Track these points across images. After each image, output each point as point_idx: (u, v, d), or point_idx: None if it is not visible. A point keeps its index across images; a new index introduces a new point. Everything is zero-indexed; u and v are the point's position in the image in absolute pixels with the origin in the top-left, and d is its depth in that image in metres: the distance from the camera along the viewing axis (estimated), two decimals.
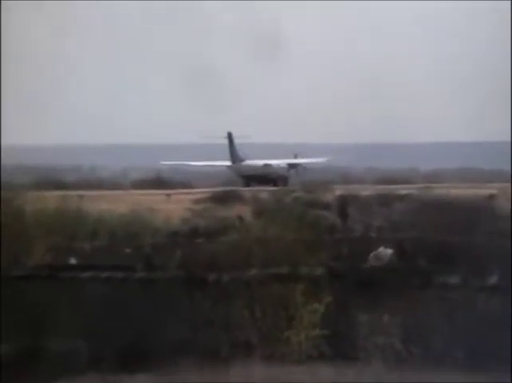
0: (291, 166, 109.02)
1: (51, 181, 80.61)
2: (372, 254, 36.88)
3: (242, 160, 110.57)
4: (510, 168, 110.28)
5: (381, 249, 37.21)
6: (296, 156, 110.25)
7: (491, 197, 61.31)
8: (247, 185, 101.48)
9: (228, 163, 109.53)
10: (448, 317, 32.82)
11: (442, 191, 61.95)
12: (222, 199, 61.79)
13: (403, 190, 63.51)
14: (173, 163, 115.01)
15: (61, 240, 40.26)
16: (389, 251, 37.14)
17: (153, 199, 63.19)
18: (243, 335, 33.53)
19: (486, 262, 35.21)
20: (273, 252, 36.49)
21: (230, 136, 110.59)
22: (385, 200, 55.85)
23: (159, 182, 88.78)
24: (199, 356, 32.19)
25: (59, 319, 33.69)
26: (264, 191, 69.64)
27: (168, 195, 68.28)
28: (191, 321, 33.74)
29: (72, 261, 38.16)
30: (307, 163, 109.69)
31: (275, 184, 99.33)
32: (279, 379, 30.35)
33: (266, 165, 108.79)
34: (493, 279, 33.92)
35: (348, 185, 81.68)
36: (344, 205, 51.43)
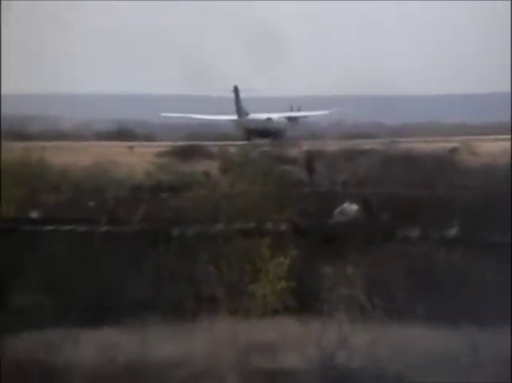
0: (290, 119, 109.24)
1: (13, 131, 79.46)
2: (337, 210, 36.97)
3: (247, 114, 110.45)
4: (471, 122, 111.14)
5: (346, 204, 37.30)
6: (298, 109, 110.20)
7: (453, 150, 61.93)
8: (248, 139, 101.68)
9: (232, 117, 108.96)
10: (410, 270, 33.07)
11: (406, 145, 62.22)
12: (188, 153, 61.40)
13: (367, 145, 63.79)
14: (175, 115, 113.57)
15: (23, 193, 39.79)
16: (354, 207, 37.24)
17: (116, 151, 62.57)
18: (208, 290, 33.48)
19: (446, 215, 35.49)
20: (240, 207, 36.39)
21: (236, 90, 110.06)
22: (351, 155, 56.16)
23: (122, 134, 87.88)
24: (164, 310, 32.12)
25: (21, 273, 33.34)
26: (231, 146, 69.43)
27: (131, 147, 67.69)
28: (156, 275, 33.62)
29: (34, 214, 37.74)
30: (307, 116, 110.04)
31: (275, 138, 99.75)
32: (245, 333, 30.41)
33: (268, 119, 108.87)
34: (452, 232, 34.20)
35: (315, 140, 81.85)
36: (310, 160, 51.64)
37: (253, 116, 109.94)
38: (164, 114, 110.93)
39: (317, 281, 33.22)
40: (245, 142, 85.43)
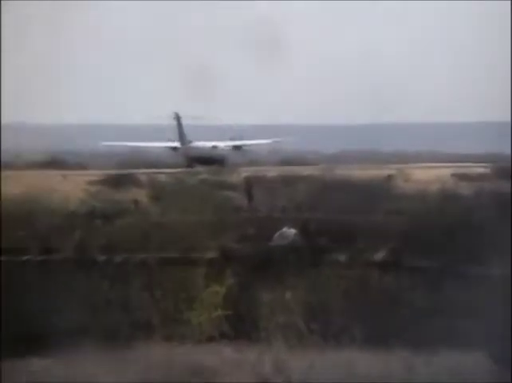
0: (235, 147, 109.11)
1: None
2: (276, 234, 37.30)
3: (190, 142, 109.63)
4: (406, 149, 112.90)
5: (285, 229, 37.70)
6: (240, 138, 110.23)
7: (389, 178, 62.59)
8: (190, 166, 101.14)
9: (173, 144, 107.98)
10: (345, 294, 33.22)
11: (343, 172, 62.73)
12: (118, 181, 60.91)
13: (305, 171, 64.20)
14: (114, 143, 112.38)
15: None
16: (292, 231, 37.63)
17: (49, 180, 61.75)
18: (143, 317, 32.97)
19: (376, 240, 35.83)
20: (171, 235, 36.07)
21: (177, 117, 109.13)
22: (289, 181, 56.47)
23: (54, 163, 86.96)
24: (99, 338, 31.49)
25: None
26: (163, 174, 69.03)
27: (64, 175, 66.90)
28: (89, 303, 33.00)
29: None
30: (252, 144, 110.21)
31: (219, 165, 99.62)
32: (179, 359, 29.94)
33: (214, 147, 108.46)
34: (380, 255, 34.56)
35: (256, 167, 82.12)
36: (249, 186, 51.70)
37: (197, 143, 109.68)
38: (105, 143, 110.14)
39: (255, 308, 33.00)
40: (180, 169, 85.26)
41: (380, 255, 34.45)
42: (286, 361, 29.19)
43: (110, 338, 31.49)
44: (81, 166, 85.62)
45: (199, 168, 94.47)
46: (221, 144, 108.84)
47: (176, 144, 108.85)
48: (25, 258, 34.12)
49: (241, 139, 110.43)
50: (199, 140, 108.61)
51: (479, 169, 67.48)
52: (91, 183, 59.91)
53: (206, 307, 33.27)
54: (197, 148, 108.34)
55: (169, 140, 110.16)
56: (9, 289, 33.08)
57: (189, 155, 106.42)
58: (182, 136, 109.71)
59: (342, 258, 34.51)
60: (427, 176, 62.52)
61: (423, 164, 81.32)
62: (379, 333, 31.56)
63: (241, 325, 32.90)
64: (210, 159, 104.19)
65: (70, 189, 53.13)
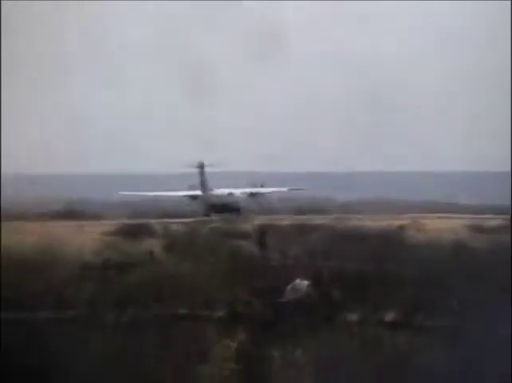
0: (251, 195, 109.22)
1: None
2: (289, 287, 36.92)
3: (211, 190, 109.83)
4: (418, 199, 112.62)
5: (298, 281, 37.32)
6: (261, 185, 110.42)
7: (401, 228, 62.31)
8: (207, 215, 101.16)
9: (194, 192, 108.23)
10: (356, 352, 32.88)
11: (355, 221, 62.59)
12: (134, 231, 60.98)
13: (318, 220, 63.98)
14: (131, 193, 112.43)
15: None
16: (305, 283, 37.25)
17: (65, 230, 62.03)
18: (156, 370, 32.97)
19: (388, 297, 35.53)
20: (186, 288, 36.04)
21: (201, 166, 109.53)
22: (302, 230, 56.27)
23: (70, 213, 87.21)
24: None
25: None
26: (177, 224, 69.01)
27: (81, 226, 67.12)
28: (102, 358, 33.00)
29: None
30: (268, 192, 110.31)
31: (235, 213, 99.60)
32: None
33: (230, 194, 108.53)
34: (390, 316, 34.21)
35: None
36: (262, 235, 51.33)
37: (216, 191, 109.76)
38: (122, 192, 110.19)
39: (265, 363, 32.84)
40: (193, 219, 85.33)
41: (390, 316, 33.96)
42: None
43: None
44: (96, 216, 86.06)
45: (213, 217, 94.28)
46: (237, 191, 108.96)
47: (197, 192, 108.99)
48: (39, 314, 34.10)
49: (257, 186, 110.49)
50: (214, 188, 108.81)
51: (495, 221, 66.74)
52: (106, 233, 60.08)
53: (219, 361, 33.20)
54: (216, 196, 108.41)
55: (190, 188, 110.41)
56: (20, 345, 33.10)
57: (208, 202, 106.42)
58: (204, 184, 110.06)
59: (354, 317, 33.98)
60: (440, 226, 62.28)
61: (435, 215, 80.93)
62: None
63: (252, 380, 32.74)
64: (226, 207, 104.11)
65: (85, 240, 53.37)
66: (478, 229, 60.72)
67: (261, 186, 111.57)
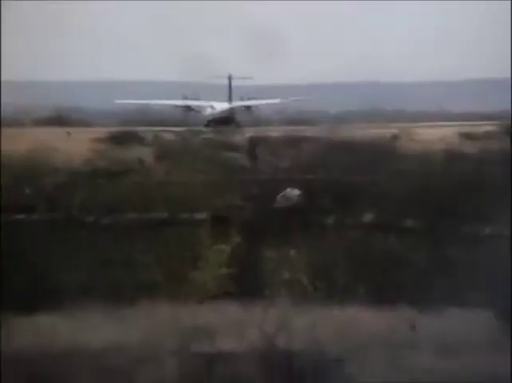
0: (247, 108, 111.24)
1: None
2: (279, 195, 37.03)
3: (210, 102, 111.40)
4: (410, 109, 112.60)
5: (288, 190, 37.38)
6: (248, 98, 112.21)
7: (394, 137, 62.31)
8: (207, 126, 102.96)
9: (191, 102, 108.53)
10: (348, 253, 33.31)
11: (348, 132, 62.39)
12: (123, 139, 60.67)
13: (310, 131, 63.81)
14: (128, 101, 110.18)
15: None
16: (296, 192, 37.33)
17: (54, 137, 61.63)
18: (148, 276, 33.16)
19: (379, 201, 35.84)
20: (176, 195, 36.09)
21: (230, 78, 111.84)
22: (293, 142, 56.19)
23: (59, 120, 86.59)
24: (104, 296, 31.69)
25: None
26: (168, 132, 68.70)
27: (69, 133, 66.68)
28: (95, 261, 33.19)
29: None
30: (260, 104, 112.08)
31: (236, 126, 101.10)
32: (184, 318, 30.15)
33: (232, 108, 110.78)
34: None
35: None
36: (253, 146, 51.33)
37: (215, 104, 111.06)
38: (118, 101, 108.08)
39: (260, 265, 33.11)
40: (184, 128, 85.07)
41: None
42: (290, 318, 29.32)
43: (115, 297, 31.67)
44: (85, 123, 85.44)
45: (206, 128, 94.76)
46: (236, 105, 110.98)
47: (202, 102, 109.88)
48: (33, 217, 34.26)
49: (250, 98, 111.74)
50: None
51: (486, 127, 66.82)
52: (96, 140, 59.82)
53: (212, 265, 33.37)
54: (216, 109, 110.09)
55: (183, 97, 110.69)
56: (15, 247, 33.29)
57: (209, 114, 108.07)
58: (230, 96, 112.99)
59: (345, 221, 34.32)
60: (431, 136, 62.29)
61: (426, 123, 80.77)
62: (381, 292, 31.66)
63: (246, 283, 33.01)
64: (227, 119, 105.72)
65: (73, 147, 53.14)
66: (472, 136, 60.99)
67: (249, 99, 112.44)
